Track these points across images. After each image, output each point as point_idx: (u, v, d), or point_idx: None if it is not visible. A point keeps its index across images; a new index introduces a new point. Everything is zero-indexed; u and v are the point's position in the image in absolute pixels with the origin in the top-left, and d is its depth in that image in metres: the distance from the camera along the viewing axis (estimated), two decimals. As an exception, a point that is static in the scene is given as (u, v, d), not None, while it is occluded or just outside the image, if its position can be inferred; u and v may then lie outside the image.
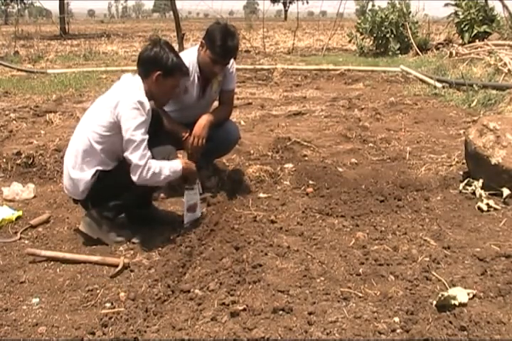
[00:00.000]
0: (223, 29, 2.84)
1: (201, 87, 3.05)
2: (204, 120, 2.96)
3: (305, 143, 4.21)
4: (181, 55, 2.96)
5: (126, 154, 2.30)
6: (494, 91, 5.83)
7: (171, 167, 2.38)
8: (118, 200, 2.48)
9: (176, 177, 2.46)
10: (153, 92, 2.45)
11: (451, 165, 3.63)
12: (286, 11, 67.19)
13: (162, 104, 2.63)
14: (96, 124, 2.40)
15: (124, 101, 2.31)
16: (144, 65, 2.45)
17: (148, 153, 2.32)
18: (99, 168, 2.42)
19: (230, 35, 2.83)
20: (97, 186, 2.41)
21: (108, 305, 1.98)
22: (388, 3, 11.87)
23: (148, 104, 2.35)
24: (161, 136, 2.52)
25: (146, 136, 2.32)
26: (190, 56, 2.95)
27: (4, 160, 3.69)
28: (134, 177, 2.29)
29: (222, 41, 2.79)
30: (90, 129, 2.41)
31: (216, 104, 3.26)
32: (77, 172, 2.43)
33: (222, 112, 3.15)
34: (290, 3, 64.33)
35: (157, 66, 2.40)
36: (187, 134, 2.95)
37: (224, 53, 2.84)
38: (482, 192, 3.00)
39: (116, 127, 2.34)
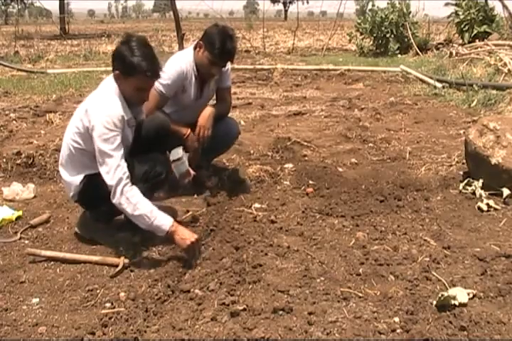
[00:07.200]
0: (222, 32, 2.89)
1: (199, 87, 3.07)
2: (208, 111, 3.01)
3: (305, 143, 4.21)
4: (179, 54, 3.03)
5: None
6: (494, 92, 5.83)
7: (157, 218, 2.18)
8: (108, 205, 2.26)
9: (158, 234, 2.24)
10: (121, 91, 2.28)
11: (451, 165, 3.63)
12: (286, 11, 67.28)
13: (136, 104, 2.42)
14: (73, 130, 2.35)
15: (96, 118, 2.19)
16: (112, 62, 2.29)
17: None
18: (88, 172, 2.36)
19: (229, 37, 2.88)
20: (86, 191, 2.39)
21: (108, 305, 1.97)
22: (388, 3, 11.86)
23: (119, 116, 2.20)
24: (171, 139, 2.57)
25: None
26: (187, 56, 2.98)
27: (4, 160, 3.69)
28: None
29: (221, 44, 2.83)
30: (70, 134, 2.38)
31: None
32: (67, 175, 2.42)
33: (221, 108, 3.19)
34: (290, 3, 64.43)
35: (117, 64, 2.24)
36: (188, 132, 2.98)
37: (223, 56, 2.89)
38: (482, 192, 3.00)
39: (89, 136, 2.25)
